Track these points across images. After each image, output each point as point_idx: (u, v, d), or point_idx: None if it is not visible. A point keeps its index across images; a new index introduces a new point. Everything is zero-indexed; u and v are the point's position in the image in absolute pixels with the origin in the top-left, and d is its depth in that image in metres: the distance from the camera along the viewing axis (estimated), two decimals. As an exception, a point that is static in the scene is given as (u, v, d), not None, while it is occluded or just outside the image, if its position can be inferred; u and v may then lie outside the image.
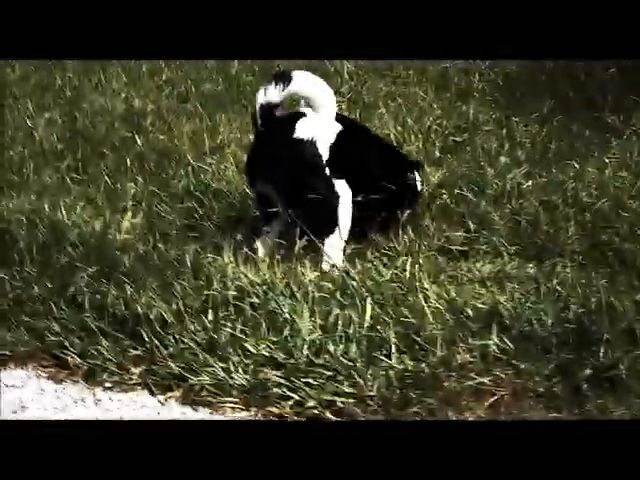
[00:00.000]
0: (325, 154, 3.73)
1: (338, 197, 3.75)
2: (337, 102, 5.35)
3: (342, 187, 3.76)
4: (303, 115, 3.78)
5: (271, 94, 3.72)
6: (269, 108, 3.74)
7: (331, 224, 3.77)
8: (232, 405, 3.06)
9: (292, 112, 3.86)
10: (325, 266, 3.76)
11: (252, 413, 3.03)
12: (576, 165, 4.74)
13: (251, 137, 4.85)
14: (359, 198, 3.80)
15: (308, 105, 3.80)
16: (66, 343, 3.29)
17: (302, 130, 3.73)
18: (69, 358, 3.24)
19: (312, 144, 3.71)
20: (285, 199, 3.74)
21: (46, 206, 4.10)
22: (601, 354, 3.18)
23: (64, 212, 4.05)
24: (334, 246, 3.80)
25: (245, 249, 3.77)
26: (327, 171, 3.73)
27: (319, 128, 3.76)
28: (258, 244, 3.87)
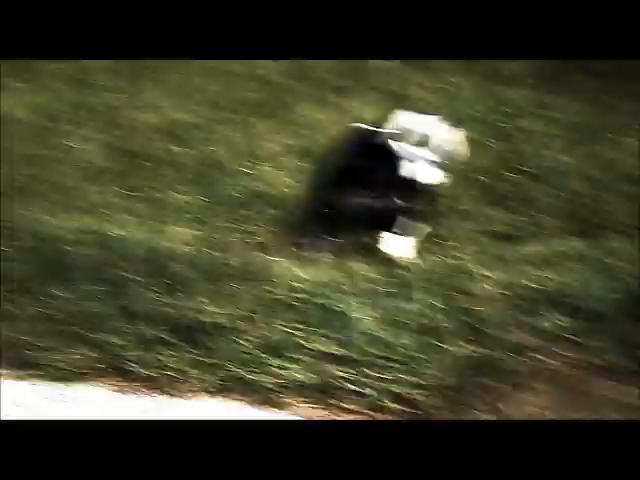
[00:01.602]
0: None
1: None
2: (373, 98, 5.45)
3: None
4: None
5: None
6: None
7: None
8: (295, 403, 3.08)
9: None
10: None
11: (316, 408, 3.05)
12: (615, 137, 4.70)
13: (290, 141, 4.92)
14: None
15: None
16: (127, 355, 3.33)
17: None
18: (131, 369, 3.28)
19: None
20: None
21: (100, 223, 4.14)
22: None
23: (118, 228, 4.09)
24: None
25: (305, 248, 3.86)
26: None
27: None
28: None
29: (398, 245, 3.85)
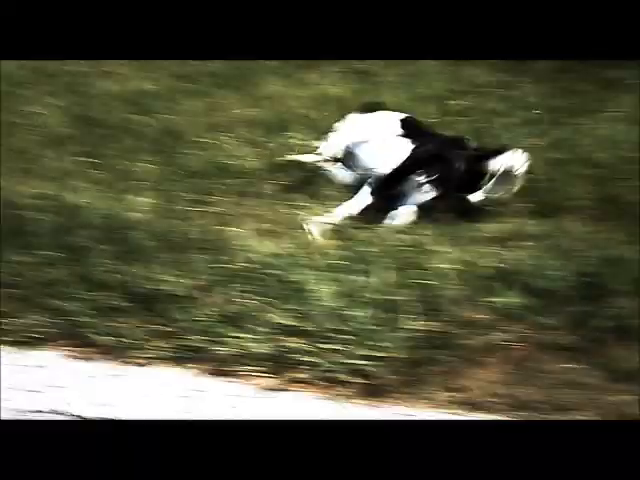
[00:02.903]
0: None
1: None
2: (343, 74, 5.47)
3: None
4: None
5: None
6: None
7: None
8: (257, 374, 3.11)
9: None
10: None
11: (277, 381, 3.08)
12: (582, 121, 4.76)
13: (254, 112, 4.94)
14: None
15: None
16: (89, 322, 3.32)
17: None
18: (94, 337, 3.28)
19: None
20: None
21: (60, 190, 4.13)
22: (617, 304, 3.25)
23: (78, 195, 4.09)
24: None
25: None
26: None
27: None
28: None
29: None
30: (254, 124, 4.87)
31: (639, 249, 3.57)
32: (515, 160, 3.98)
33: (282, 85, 5.46)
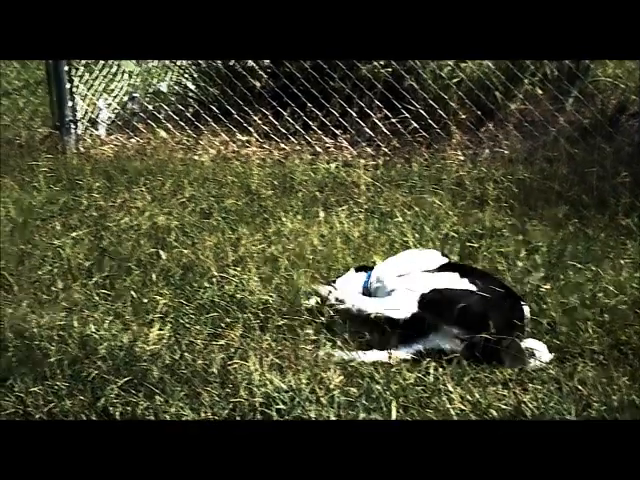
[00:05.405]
0: None
1: None
2: (355, 212, 5.58)
3: None
4: None
5: None
6: None
7: None
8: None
9: None
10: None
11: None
12: (593, 268, 4.81)
13: (273, 249, 5.03)
14: None
15: None
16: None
17: None
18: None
19: None
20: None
21: (75, 322, 4.21)
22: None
23: (93, 327, 4.16)
24: None
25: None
26: None
27: None
28: None
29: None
30: (273, 261, 4.95)
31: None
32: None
33: (299, 222, 5.56)
